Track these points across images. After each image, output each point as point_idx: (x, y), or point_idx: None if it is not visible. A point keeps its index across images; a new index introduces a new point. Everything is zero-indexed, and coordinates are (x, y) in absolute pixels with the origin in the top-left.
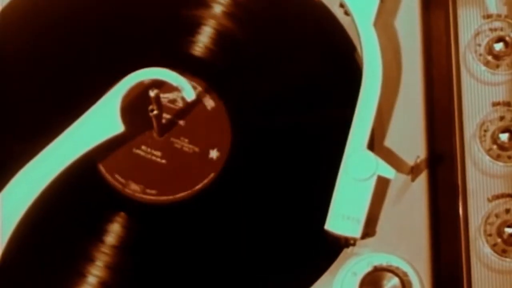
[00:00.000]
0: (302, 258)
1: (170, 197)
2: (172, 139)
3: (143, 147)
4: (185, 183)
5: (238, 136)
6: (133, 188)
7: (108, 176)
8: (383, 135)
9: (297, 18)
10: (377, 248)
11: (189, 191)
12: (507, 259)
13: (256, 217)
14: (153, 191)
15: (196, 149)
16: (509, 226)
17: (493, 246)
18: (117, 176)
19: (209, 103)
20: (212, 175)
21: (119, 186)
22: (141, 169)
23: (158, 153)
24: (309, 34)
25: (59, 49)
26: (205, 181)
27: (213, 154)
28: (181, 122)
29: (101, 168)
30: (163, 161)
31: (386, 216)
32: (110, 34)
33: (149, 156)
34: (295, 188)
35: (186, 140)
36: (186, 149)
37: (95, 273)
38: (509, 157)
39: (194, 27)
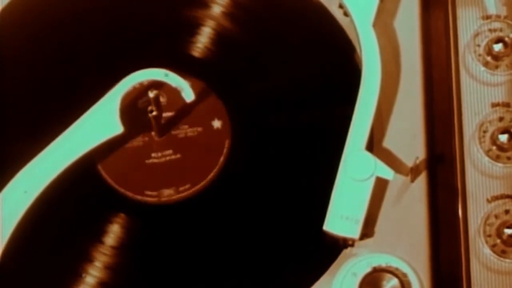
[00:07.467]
0: (301, 259)
1: (203, 183)
2: (173, 132)
3: (153, 154)
4: (209, 164)
5: (238, 136)
6: (168, 194)
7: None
8: (382, 136)
9: (296, 19)
10: (376, 248)
11: (216, 171)
12: (507, 260)
13: (255, 218)
14: (187, 186)
15: (199, 129)
16: (508, 227)
17: (493, 246)
18: (147, 192)
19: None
20: (227, 142)
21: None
22: (164, 173)
23: (170, 151)
24: (308, 34)
25: (59, 49)
26: (225, 151)
27: (216, 123)
28: (173, 113)
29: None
30: (178, 155)
31: (385, 217)
32: (109, 35)
33: (163, 159)
34: (294, 188)
35: (186, 126)
36: (190, 133)
37: (94, 274)
38: (508, 158)
39: (193, 27)
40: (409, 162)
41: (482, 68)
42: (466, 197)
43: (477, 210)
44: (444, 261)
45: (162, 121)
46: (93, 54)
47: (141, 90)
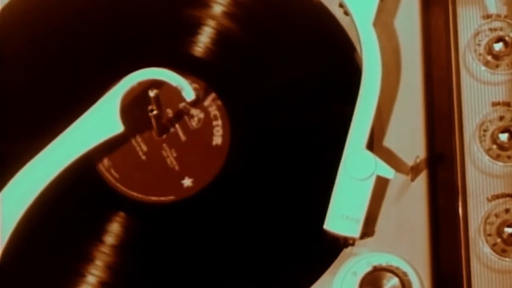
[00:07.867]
0: (302, 258)
1: (127, 190)
2: (164, 144)
3: (139, 139)
4: (143, 188)
5: (238, 136)
6: (104, 163)
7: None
8: (382, 135)
9: (297, 18)
10: (377, 248)
11: (143, 196)
12: (507, 259)
13: (256, 217)
14: (116, 175)
15: (177, 168)
16: (508, 226)
17: (493, 246)
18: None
19: (217, 140)
20: (171, 197)
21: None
22: (122, 155)
23: (145, 149)
24: (308, 34)
25: (59, 49)
26: (162, 198)
27: (187, 182)
28: (182, 137)
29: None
30: (143, 157)
31: (385, 216)
32: (110, 34)
33: (137, 148)
34: (294, 187)
35: (175, 154)
36: (168, 161)
37: (94, 273)
38: (508, 157)
39: (194, 27)
40: (410, 161)
41: (483, 68)
42: (466, 196)
43: (478, 209)
44: (444, 260)
45: (164, 121)
46: (94, 53)
47: (141, 90)
